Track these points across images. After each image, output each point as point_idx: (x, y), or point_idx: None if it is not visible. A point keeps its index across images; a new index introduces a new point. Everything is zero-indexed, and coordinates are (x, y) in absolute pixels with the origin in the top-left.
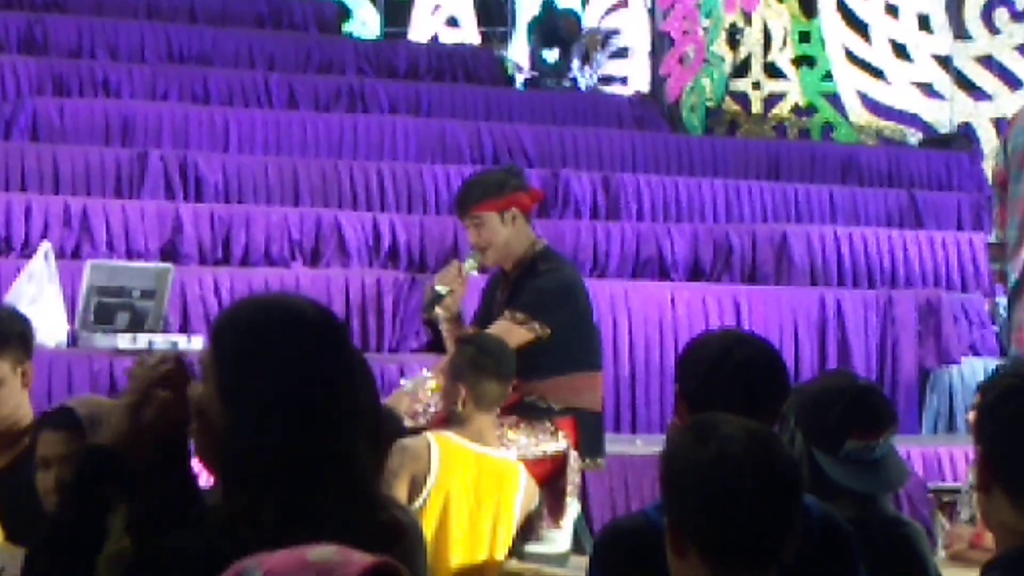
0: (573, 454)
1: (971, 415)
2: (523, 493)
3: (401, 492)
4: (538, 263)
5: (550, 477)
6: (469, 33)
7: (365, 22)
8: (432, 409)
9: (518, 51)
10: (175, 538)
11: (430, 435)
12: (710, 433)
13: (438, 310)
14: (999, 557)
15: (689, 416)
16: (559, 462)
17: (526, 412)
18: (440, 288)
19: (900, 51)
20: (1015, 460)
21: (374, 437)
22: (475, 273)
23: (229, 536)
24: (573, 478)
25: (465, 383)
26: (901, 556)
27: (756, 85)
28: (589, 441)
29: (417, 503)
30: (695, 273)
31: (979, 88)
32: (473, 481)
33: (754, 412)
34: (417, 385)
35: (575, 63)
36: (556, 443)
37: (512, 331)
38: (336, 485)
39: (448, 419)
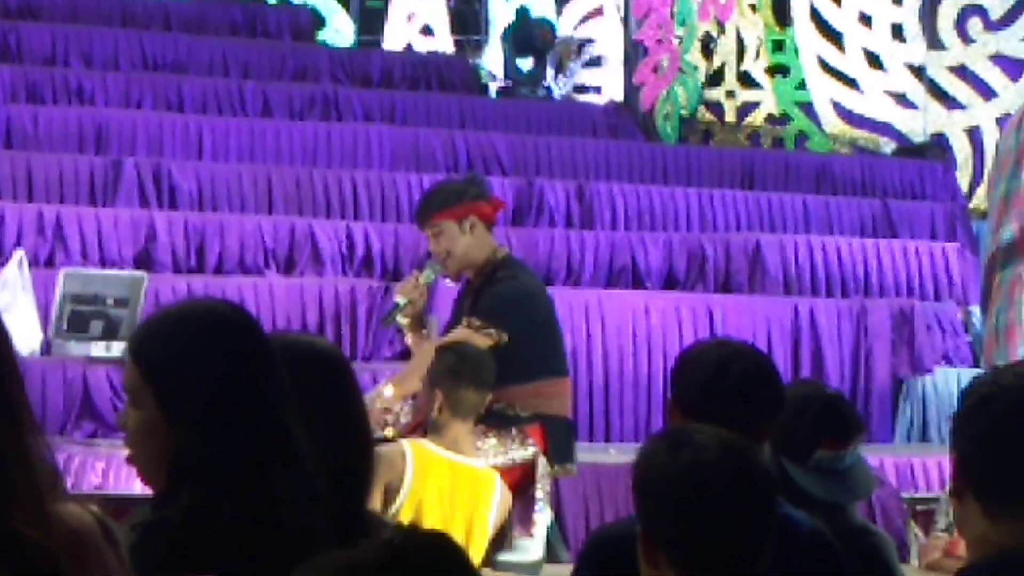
0: (542, 461)
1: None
2: (497, 502)
3: (375, 499)
4: (498, 271)
5: (520, 485)
6: (443, 41)
7: (339, 30)
8: (404, 420)
9: (492, 60)
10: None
11: (405, 443)
12: (684, 442)
13: (399, 319)
14: (971, 565)
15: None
16: (528, 469)
17: (494, 420)
18: (399, 299)
19: (874, 60)
20: (988, 467)
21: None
22: (431, 282)
23: (189, 531)
24: (544, 485)
25: (443, 390)
26: (870, 566)
27: (730, 94)
28: (559, 447)
29: (391, 510)
30: (669, 282)
31: (952, 98)
32: (447, 489)
33: (751, 424)
34: (374, 398)
35: (549, 72)
36: (524, 450)
37: (470, 337)
38: (284, 470)
39: (425, 427)
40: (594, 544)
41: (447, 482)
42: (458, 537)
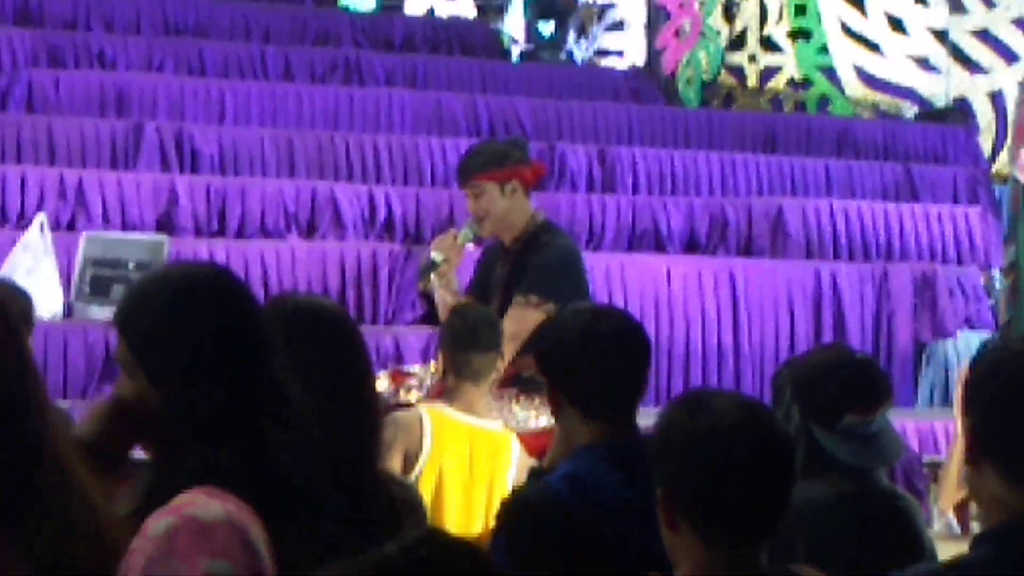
0: None
1: (959, 385)
2: (516, 464)
3: (395, 465)
4: (539, 236)
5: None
6: (465, 6)
7: None
8: (428, 383)
9: (514, 24)
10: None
11: (422, 408)
12: (703, 407)
13: (433, 277)
14: (990, 529)
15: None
16: None
17: (525, 386)
18: (436, 255)
19: (896, 24)
20: (1005, 433)
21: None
22: (471, 246)
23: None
24: None
25: (445, 352)
26: (897, 529)
27: (752, 58)
28: None
29: (412, 476)
30: (691, 246)
31: (975, 62)
32: (466, 454)
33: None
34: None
35: (571, 36)
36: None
37: (526, 314)
38: (276, 425)
39: (442, 391)
40: (512, 513)
41: (465, 446)
42: (479, 500)
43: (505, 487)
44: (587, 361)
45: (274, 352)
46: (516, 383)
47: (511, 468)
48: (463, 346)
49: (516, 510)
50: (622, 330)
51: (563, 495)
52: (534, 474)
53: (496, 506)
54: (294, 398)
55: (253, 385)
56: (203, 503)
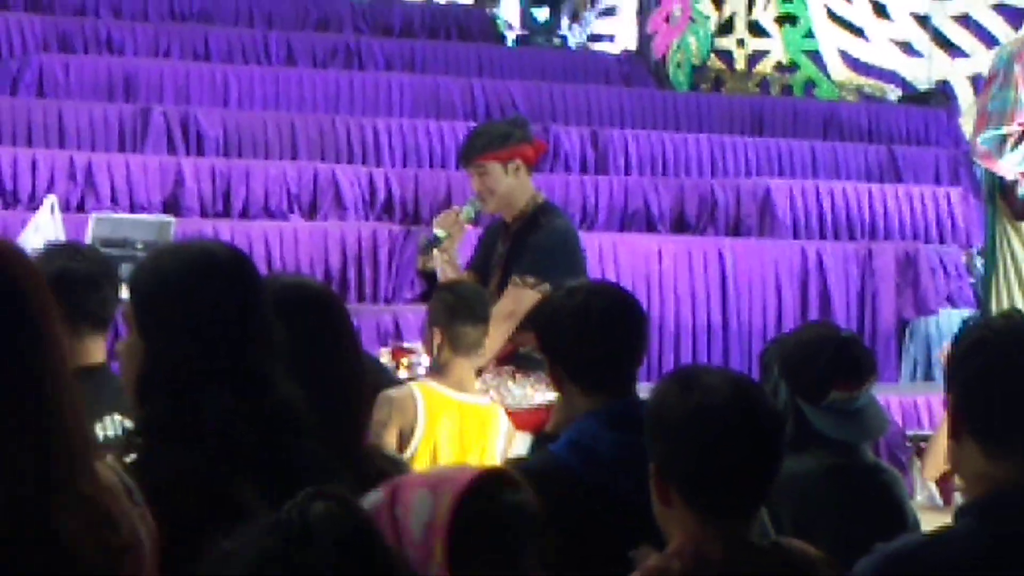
0: None
1: (943, 359)
2: (503, 436)
3: (391, 442)
4: (538, 216)
5: (545, 425)
6: None
7: None
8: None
9: (509, 10)
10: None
11: (414, 385)
12: (694, 384)
13: (436, 252)
14: (972, 502)
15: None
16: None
17: (522, 363)
18: (439, 231)
19: (880, 10)
20: (986, 409)
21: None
22: (470, 219)
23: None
24: None
25: (440, 328)
26: (881, 502)
27: (740, 43)
28: None
29: (407, 454)
30: (681, 226)
31: (956, 46)
32: (458, 429)
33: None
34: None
35: (564, 21)
36: (551, 393)
37: (524, 294)
38: (257, 403)
39: (431, 367)
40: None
41: (456, 422)
42: None
43: (494, 457)
44: (584, 337)
45: (265, 330)
46: (513, 360)
47: (500, 437)
48: (460, 319)
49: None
50: (616, 305)
51: (564, 459)
52: (539, 441)
53: None
54: (280, 376)
55: (223, 355)
56: None
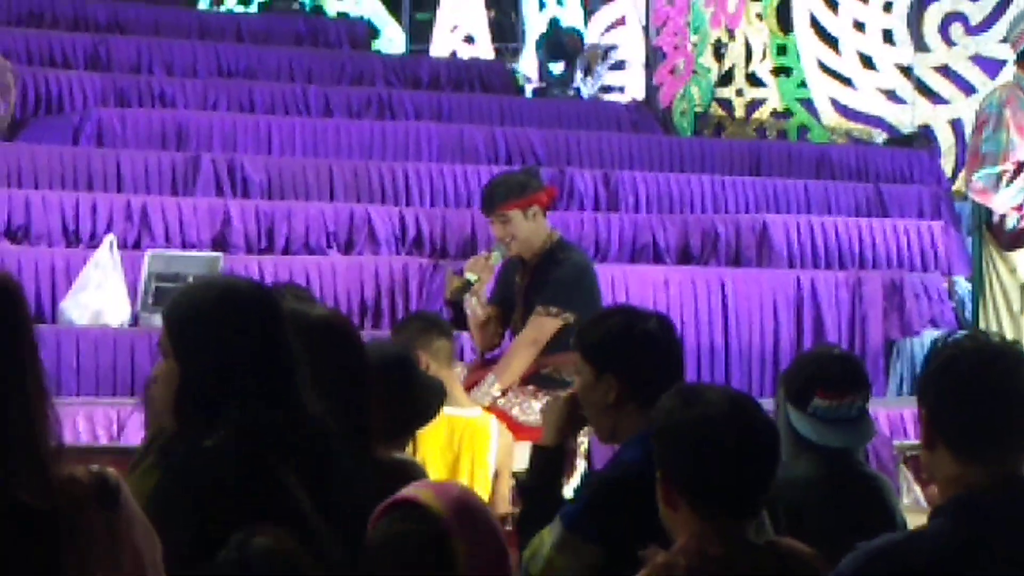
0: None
1: None
2: (495, 443)
3: None
4: (556, 252)
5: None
6: (484, 49)
7: (392, 40)
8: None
9: (528, 64)
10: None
11: None
12: (695, 399)
13: (468, 296)
14: (945, 504)
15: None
16: None
17: (542, 383)
18: (470, 275)
19: (867, 62)
20: (958, 420)
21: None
22: (498, 262)
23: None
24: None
25: (422, 349)
26: (872, 506)
27: (739, 92)
28: None
29: None
30: (685, 258)
31: (937, 94)
32: (446, 442)
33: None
34: (485, 394)
35: (578, 74)
36: None
37: (547, 322)
38: (280, 409)
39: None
40: (604, 491)
41: (444, 436)
42: (463, 482)
43: (486, 467)
44: (653, 360)
45: (287, 354)
46: (536, 380)
47: (491, 448)
48: (434, 335)
49: (613, 488)
50: (672, 328)
51: (649, 471)
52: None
53: (478, 483)
54: (300, 393)
55: (251, 376)
56: None
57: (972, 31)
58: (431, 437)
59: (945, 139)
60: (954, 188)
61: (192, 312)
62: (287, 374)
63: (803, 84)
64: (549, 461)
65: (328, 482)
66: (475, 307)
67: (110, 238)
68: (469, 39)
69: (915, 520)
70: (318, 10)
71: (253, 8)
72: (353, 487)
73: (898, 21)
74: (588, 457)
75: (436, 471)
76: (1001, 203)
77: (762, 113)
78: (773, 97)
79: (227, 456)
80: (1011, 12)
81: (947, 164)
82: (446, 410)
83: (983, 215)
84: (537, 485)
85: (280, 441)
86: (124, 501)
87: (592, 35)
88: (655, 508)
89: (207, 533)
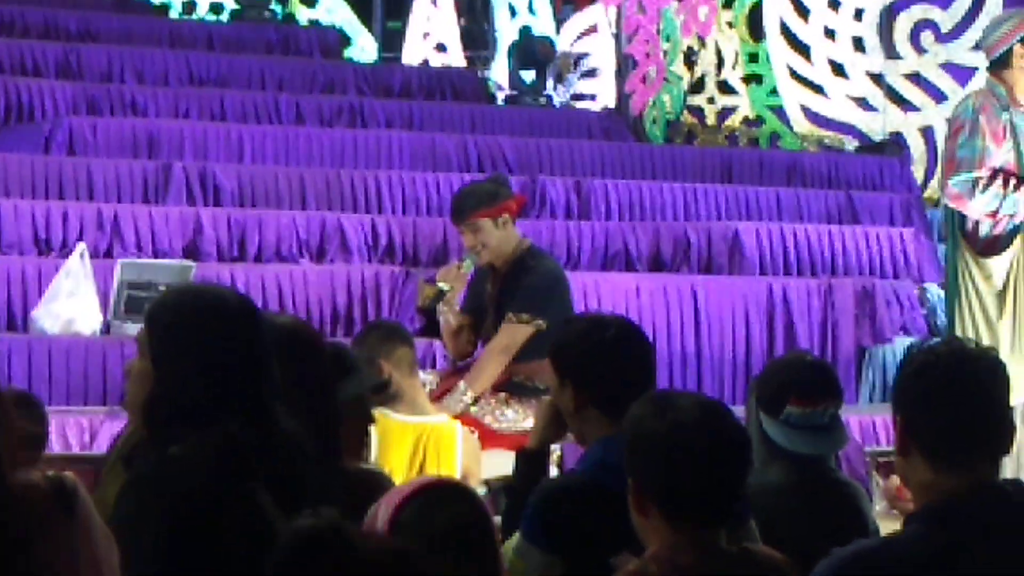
0: None
1: None
2: (461, 449)
3: None
4: (527, 260)
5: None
6: (455, 57)
7: (363, 48)
8: (430, 387)
9: (499, 72)
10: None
11: None
12: (667, 406)
13: (441, 305)
14: (919, 510)
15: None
16: None
17: (515, 391)
18: (443, 285)
19: (838, 69)
20: (932, 427)
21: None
22: (469, 270)
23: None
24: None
25: (385, 359)
26: (844, 512)
27: (710, 100)
28: None
29: None
30: (657, 265)
31: (908, 101)
32: (410, 451)
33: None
34: (457, 400)
35: (550, 82)
36: None
37: (518, 330)
38: (254, 424)
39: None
40: (550, 499)
41: (409, 444)
42: None
43: (453, 472)
44: (610, 367)
45: (269, 369)
46: (508, 388)
47: (456, 454)
48: (395, 344)
49: (554, 496)
50: (633, 335)
51: (597, 478)
52: (524, 457)
53: None
54: (278, 407)
55: (229, 388)
56: None
57: (942, 39)
58: (397, 445)
59: (916, 146)
60: (925, 195)
61: (177, 317)
62: (263, 387)
63: (774, 92)
64: (532, 464)
65: (298, 494)
66: (447, 316)
67: (81, 247)
68: (441, 47)
69: (888, 527)
70: (290, 18)
71: (224, 16)
72: (322, 499)
73: (869, 29)
74: (560, 464)
75: (402, 479)
76: (976, 209)
77: (733, 121)
78: (744, 105)
79: (199, 466)
80: (982, 19)
81: (918, 171)
82: (411, 418)
83: (957, 221)
84: (520, 488)
85: (252, 452)
86: (81, 505)
87: (563, 43)
88: (609, 514)
89: (175, 542)
